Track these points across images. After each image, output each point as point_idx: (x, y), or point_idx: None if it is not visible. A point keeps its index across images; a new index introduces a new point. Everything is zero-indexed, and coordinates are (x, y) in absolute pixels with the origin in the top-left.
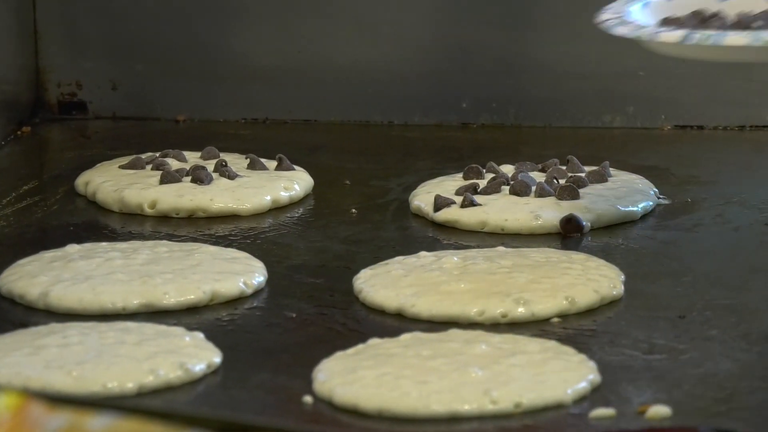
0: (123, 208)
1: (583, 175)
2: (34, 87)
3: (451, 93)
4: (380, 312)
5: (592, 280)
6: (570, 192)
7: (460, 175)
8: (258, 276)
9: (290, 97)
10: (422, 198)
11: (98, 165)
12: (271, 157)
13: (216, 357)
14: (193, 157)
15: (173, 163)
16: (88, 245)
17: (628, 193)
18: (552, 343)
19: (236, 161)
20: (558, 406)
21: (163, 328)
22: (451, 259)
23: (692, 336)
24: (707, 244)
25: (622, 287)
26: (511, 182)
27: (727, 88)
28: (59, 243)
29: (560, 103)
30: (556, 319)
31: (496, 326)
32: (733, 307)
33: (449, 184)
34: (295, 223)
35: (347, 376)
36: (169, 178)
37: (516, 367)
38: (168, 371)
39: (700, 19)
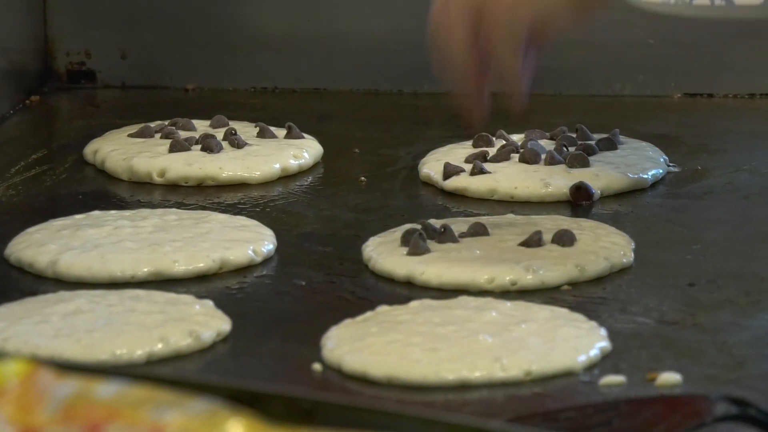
0: (132, 177)
1: (593, 142)
2: (43, 56)
3: None
4: (389, 280)
5: (602, 247)
6: (580, 160)
7: (470, 143)
8: (267, 244)
9: (299, 65)
10: (431, 166)
11: (107, 133)
12: (280, 126)
13: (225, 325)
14: (202, 126)
15: (182, 132)
16: (96, 213)
17: (638, 160)
18: (562, 311)
19: (245, 130)
20: (568, 374)
21: (172, 296)
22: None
23: (702, 304)
24: (717, 211)
25: (632, 255)
26: (521, 150)
27: (737, 55)
28: (68, 212)
29: (570, 72)
30: (566, 287)
31: (506, 294)
32: (742, 275)
33: (459, 152)
34: (304, 191)
35: (356, 344)
36: (178, 146)
37: (526, 335)
38: (178, 339)
39: None
